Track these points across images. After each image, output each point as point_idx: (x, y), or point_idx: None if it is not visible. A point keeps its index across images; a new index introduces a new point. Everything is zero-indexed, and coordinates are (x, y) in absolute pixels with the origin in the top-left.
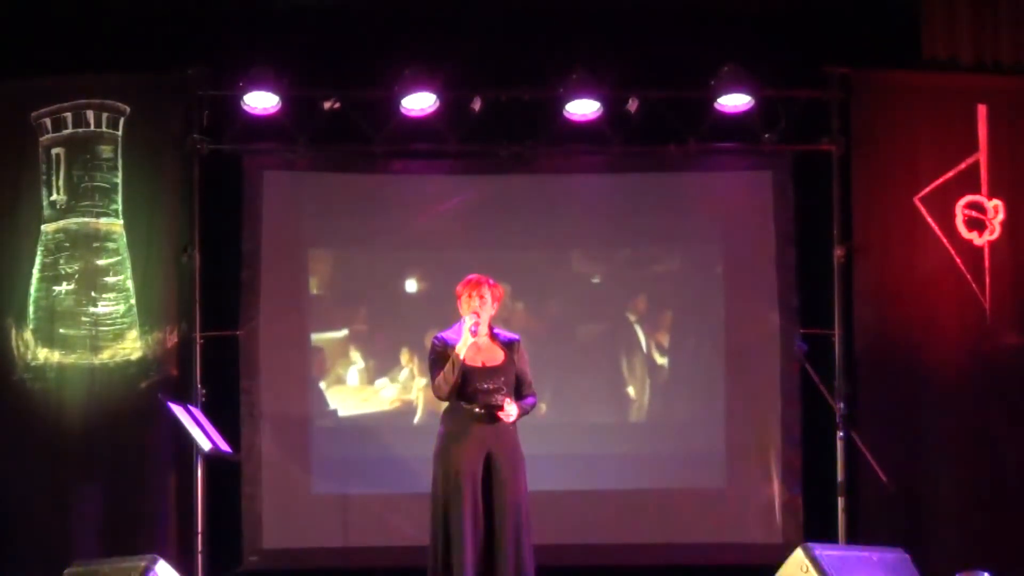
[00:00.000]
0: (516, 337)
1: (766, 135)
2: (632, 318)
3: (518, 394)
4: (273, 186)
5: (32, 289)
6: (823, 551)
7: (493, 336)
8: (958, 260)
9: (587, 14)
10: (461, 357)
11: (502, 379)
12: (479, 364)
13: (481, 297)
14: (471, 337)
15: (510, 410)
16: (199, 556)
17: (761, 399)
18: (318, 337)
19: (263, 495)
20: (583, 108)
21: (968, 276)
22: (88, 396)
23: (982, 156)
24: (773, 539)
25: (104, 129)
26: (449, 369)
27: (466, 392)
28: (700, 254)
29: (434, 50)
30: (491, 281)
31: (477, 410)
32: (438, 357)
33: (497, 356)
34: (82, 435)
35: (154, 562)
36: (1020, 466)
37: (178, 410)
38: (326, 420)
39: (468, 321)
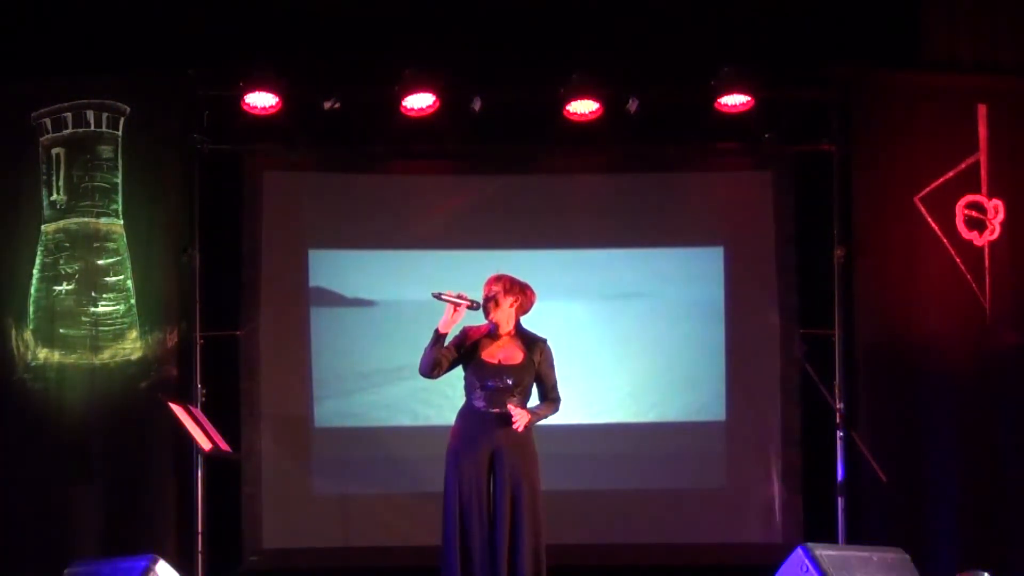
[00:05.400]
0: (540, 338)
1: (766, 135)
2: (631, 318)
3: (539, 396)
4: (273, 186)
5: (32, 289)
6: (823, 551)
7: (516, 334)
8: (958, 260)
9: (587, 14)
10: (441, 332)
11: (514, 379)
12: (495, 361)
13: (485, 293)
14: (449, 304)
15: (520, 421)
16: (199, 556)
17: (761, 399)
18: (318, 337)
19: (263, 495)
20: (583, 108)
21: (968, 276)
22: (88, 396)
23: (982, 156)
24: (773, 539)
25: (104, 129)
26: (428, 343)
27: (478, 388)
28: (700, 254)
29: (434, 50)
30: (510, 282)
31: (492, 410)
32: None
33: (516, 356)
34: (82, 435)
35: (154, 562)
36: (1020, 466)
37: (178, 410)
38: (326, 420)
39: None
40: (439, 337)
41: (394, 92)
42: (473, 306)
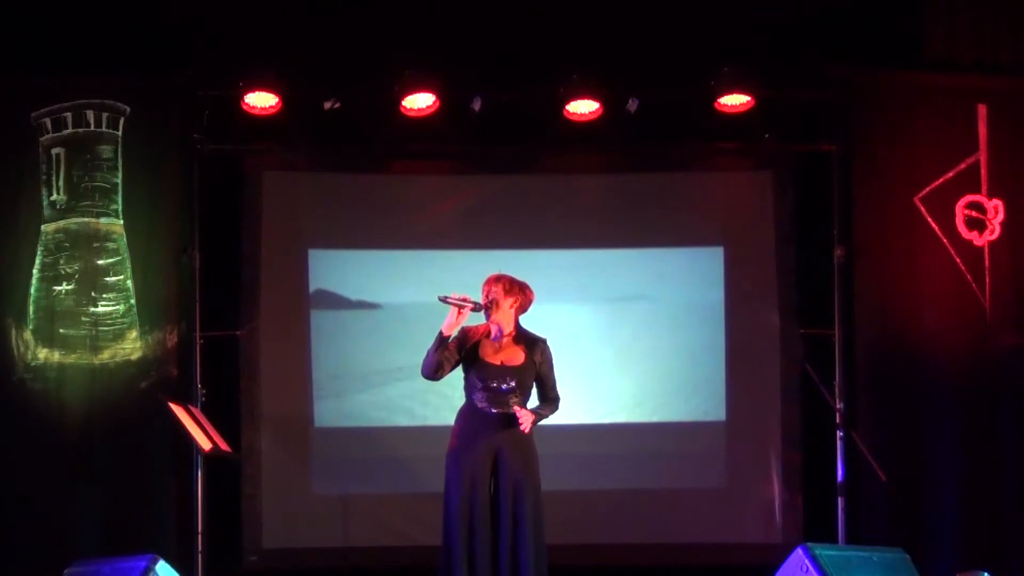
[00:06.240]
0: (540, 338)
1: (766, 135)
2: (632, 318)
3: (539, 396)
4: (273, 186)
5: (32, 289)
6: (823, 551)
7: (517, 335)
8: (958, 260)
9: (587, 14)
10: (445, 334)
11: (516, 381)
12: (497, 362)
13: (485, 294)
14: (453, 307)
15: (526, 423)
16: (199, 556)
17: (761, 399)
18: (318, 337)
19: (263, 495)
20: (583, 108)
21: (968, 276)
22: (88, 396)
23: (982, 156)
24: (773, 539)
25: (104, 129)
26: (432, 345)
27: (479, 389)
28: (700, 254)
29: (434, 50)
30: (510, 283)
31: (493, 410)
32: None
33: (517, 356)
34: (82, 435)
35: (154, 562)
36: (1020, 466)
37: (178, 410)
38: (326, 420)
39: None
40: (443, 340)
41: (394, 92)
42: (477, 308)
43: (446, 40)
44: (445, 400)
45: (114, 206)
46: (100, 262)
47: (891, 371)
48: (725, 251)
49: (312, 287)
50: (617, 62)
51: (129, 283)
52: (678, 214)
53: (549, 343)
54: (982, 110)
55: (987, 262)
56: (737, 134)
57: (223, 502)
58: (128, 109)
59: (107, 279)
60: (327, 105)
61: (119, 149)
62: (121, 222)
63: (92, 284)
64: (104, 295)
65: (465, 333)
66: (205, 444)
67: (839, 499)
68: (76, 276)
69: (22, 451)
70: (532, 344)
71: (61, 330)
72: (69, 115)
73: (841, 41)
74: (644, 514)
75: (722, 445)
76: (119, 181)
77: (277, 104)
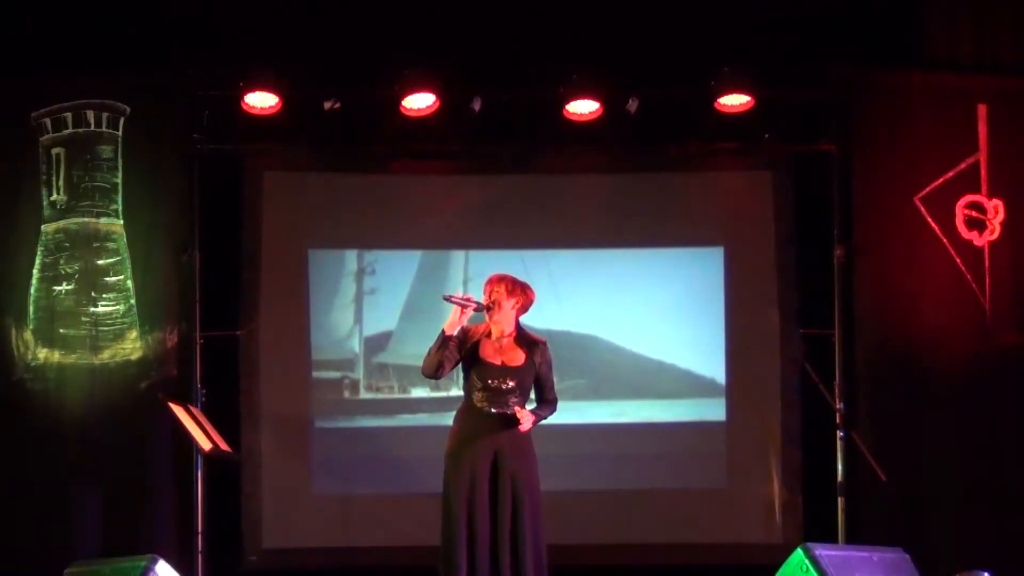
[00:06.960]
0: (541, 340)
1: (766, 135)
2: (631, 318)
3: (537, 398)
4: (273, 186)
5: (32, 289)
6: (823, 551)
7: (518, 335)
8: (958, 260)
9: (587, 14)
10: (447, 333)
11: (516, 381)
12: (498, 362)
13: (487, 294)
14: (456, 306)
15: (526, 423)
16: (199, 556)
17: (761, 399)
18: (317, 337)
19: (263, 495)
20: (583, 108)
21: (968, 276)
22: (88, 396)
23: (982, 156)
24: (773, 539)
25: (104, 129)
26: (434, 344)
27: (479, 388)
28: (700, 254)
29: (434, 50)
30: (512, 283)
31: (493, 410)
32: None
33: (518, 357)
34: (82, 435)
35: (154, 562)
36: (1020, 466)
37: (178, 410)
38: (326, 420)
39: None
40: (445, 339)
41: (394, 92)
42: (480, 309)
43: (446, 40)
44: (445, 399)
45: (114, 206)
46: (100, 262)
47: (891, 371)
48: (725, 251)
49: (312, 287)
50: (617, 62)
51: (129, 283)
52: (678, 214)
53: (549, 344)
54: (982, 110)
55: (987, 262)
56: (737, 134)
57: (223, 502)
58: (128, 109)
59: (107, 279)
60: (327, 105)
61: (119, 149)
62: (121, 222)
63: (92, 284)
64: (104, 295)
65: (465, 332)
66: (205, 444)
67: (839, 499)
68: (76, 276)
69: (22, 451)
70: (533, 345)
71: (61, 330)
72: (69, 115)
73: (841, 41)
74: (644, 514)
75: (723, 445)
76: (119, 181)
77: (277, 104)
